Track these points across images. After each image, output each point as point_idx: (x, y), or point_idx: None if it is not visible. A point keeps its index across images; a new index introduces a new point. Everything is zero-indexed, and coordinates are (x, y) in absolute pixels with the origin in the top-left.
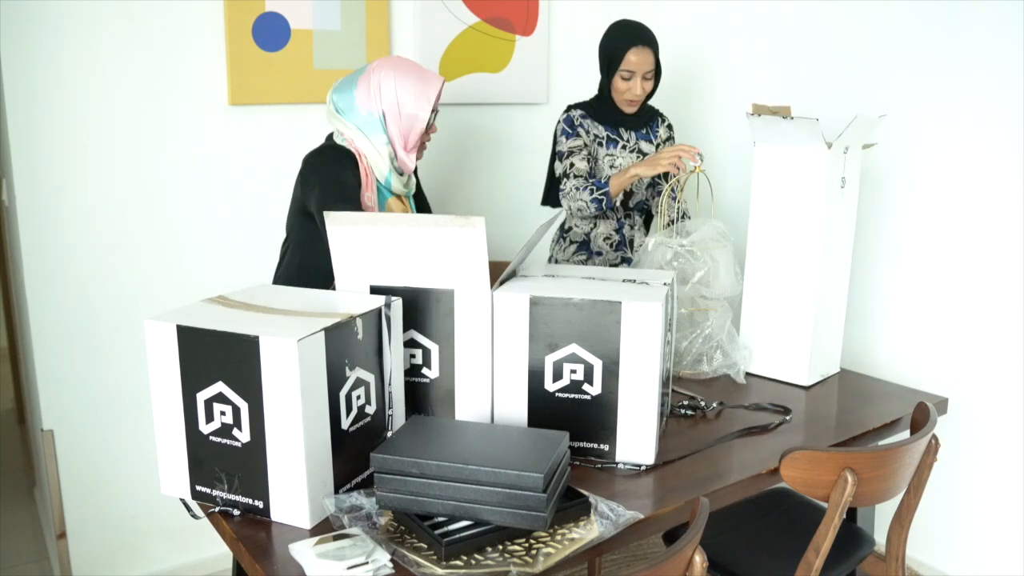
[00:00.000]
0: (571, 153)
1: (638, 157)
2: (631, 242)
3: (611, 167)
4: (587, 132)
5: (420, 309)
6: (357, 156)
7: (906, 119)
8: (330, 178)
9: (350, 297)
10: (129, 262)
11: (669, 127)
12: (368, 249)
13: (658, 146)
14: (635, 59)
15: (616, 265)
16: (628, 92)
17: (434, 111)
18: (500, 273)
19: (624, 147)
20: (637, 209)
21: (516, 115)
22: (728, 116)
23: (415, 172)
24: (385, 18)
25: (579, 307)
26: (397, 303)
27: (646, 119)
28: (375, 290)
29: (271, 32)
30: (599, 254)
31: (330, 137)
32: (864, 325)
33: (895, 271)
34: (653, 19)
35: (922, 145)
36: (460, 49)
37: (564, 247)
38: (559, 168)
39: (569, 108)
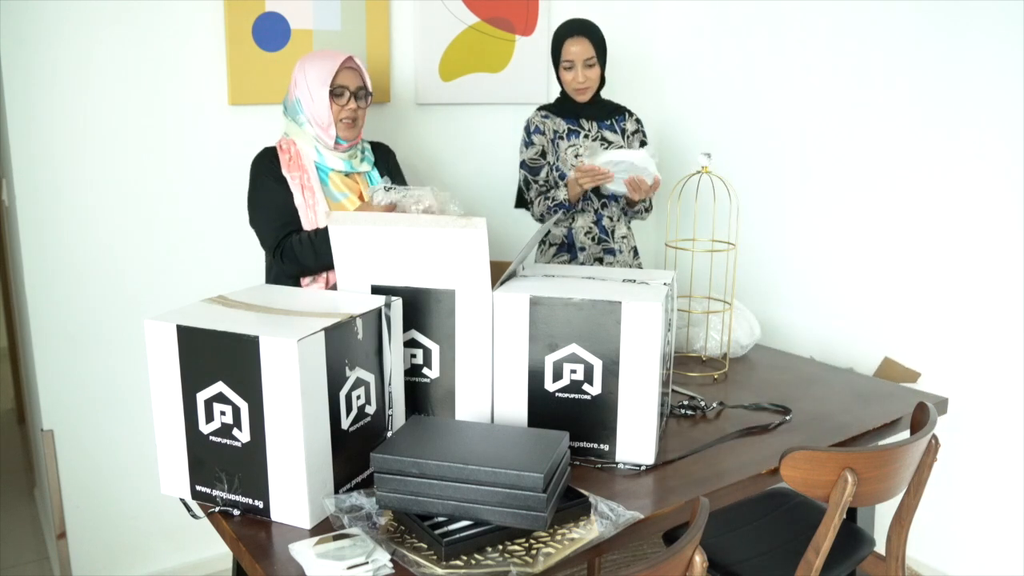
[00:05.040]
0: (528, 164)
1: (602, 144)
2: (612, 232)
3: (575, 156)
4: (546, 132)
5: (421, 309)
6: (281, 151)
7: (909, 119)
8: (254, 196)
9: (350, 297)
10: (129, 262)
11: (637, 121)
12: (369, 249)
13: (625, 136)
14: (571, 49)
15: (600, 258)
16: (573, 82)
17: (352, 90)
18: (501, 273)
19: (587, 136)
20: (613, 199)
21: (516, 115)
22: (727, 115)
23: (382, 149)
24: (385, 18)
25: (579, 307)
26: (397, 303)
27: (610, 111)
28: (376, 290)
29: (271, 32)
30: (582, 249)
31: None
32: (864, 325)
33: (895, 271)
34: (651, 19)
35: (921, 146)
36: (460, 49)
37: (544, 250)
38: (519, 177)
39: (538, 109)
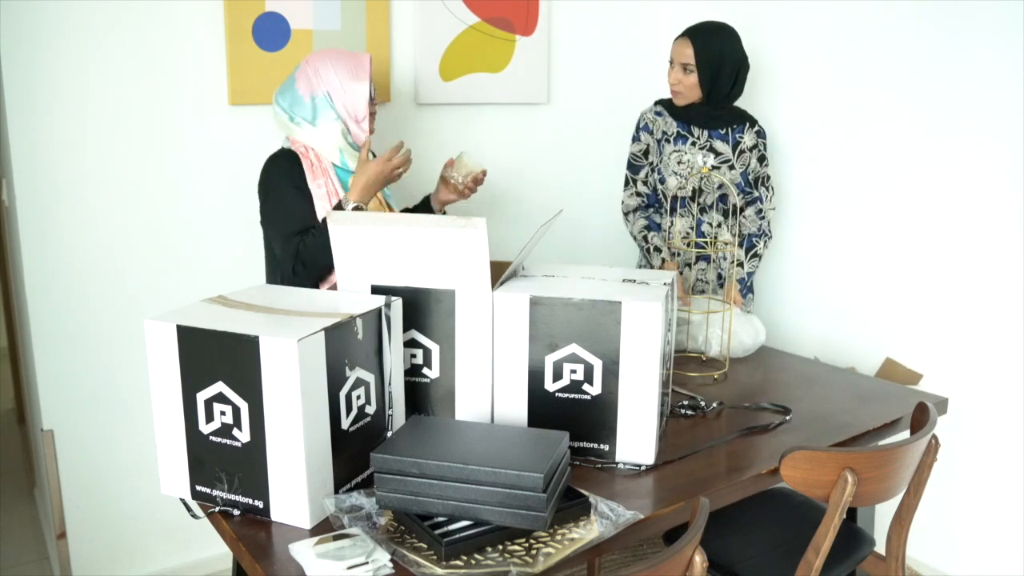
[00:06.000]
0: (630, 159)
1: (706, 155)
2: (713, 240)
3: (678, 163)
4: (654, 131)
5: (421, 309)
6: (301, 155)
7: (910, 120)
8: (275, 204)
9: (350, 297)
10: (129, 262)
11: (758, 134)
12: (369, 249)
13: (738, 151)
14: (674, 49)
15: (690, 264)
16: (668, 78)
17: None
18: (501, 273)
19: (694, 144)
20: (714, 208)
21: (516, 115)
22: None
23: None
24: (385, 18)
25: (579, 307)
26: (397, 303)
27: (728, 120)
28: (376, 290)
29: (271, 32)
30: (675, 254)
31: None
32: (865, 326)
33: (896, 272)
34: (651, 18)
35: (922, 146)
36: (460, 49)
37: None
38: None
39: (656, 103)
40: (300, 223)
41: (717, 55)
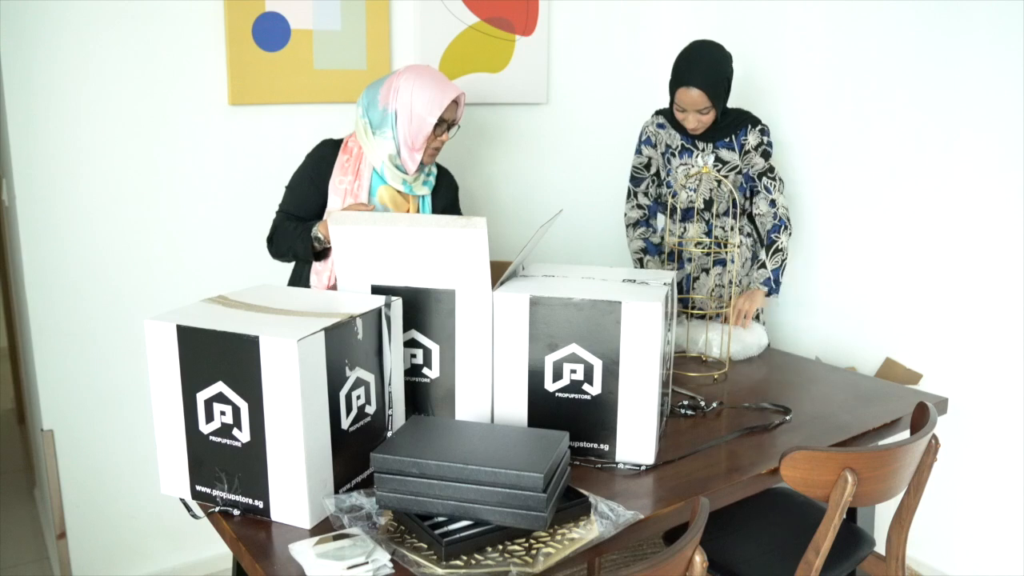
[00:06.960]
0: (632, 171)
1: (715, 164)
2: (725, 243)
3: (686, 176)
4: (657, 144)
5: (421, 309)
6: (346, 148)
7: (910, 120)
8: (290, 182)
9: (350, 297)
10: (129, 262)
11: (761, 132)
12: (370, 249)
13: (742, 153)
14: (684, 99)
15: (707, 270)
16: (684, 123)
17: (448, 122)
18: (501, 273)
19: (699, 155)
20: (727, 213)
21: (516, 115)
22: None
23: (448, 178)
24: (385, 18)
25: (579, 307)
26: (397, 303)
27: (729, 126)
28: (376, 290)
29: (271, 32)
30: (689, 260)
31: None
32: (866, 326)
33: (897, 272)
34: (651, 18)
35: (922, 146)
36: (460, 49)
37: (652, 258)
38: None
39: (656, 114)
40: (292, 207)
41: (724, 81)
